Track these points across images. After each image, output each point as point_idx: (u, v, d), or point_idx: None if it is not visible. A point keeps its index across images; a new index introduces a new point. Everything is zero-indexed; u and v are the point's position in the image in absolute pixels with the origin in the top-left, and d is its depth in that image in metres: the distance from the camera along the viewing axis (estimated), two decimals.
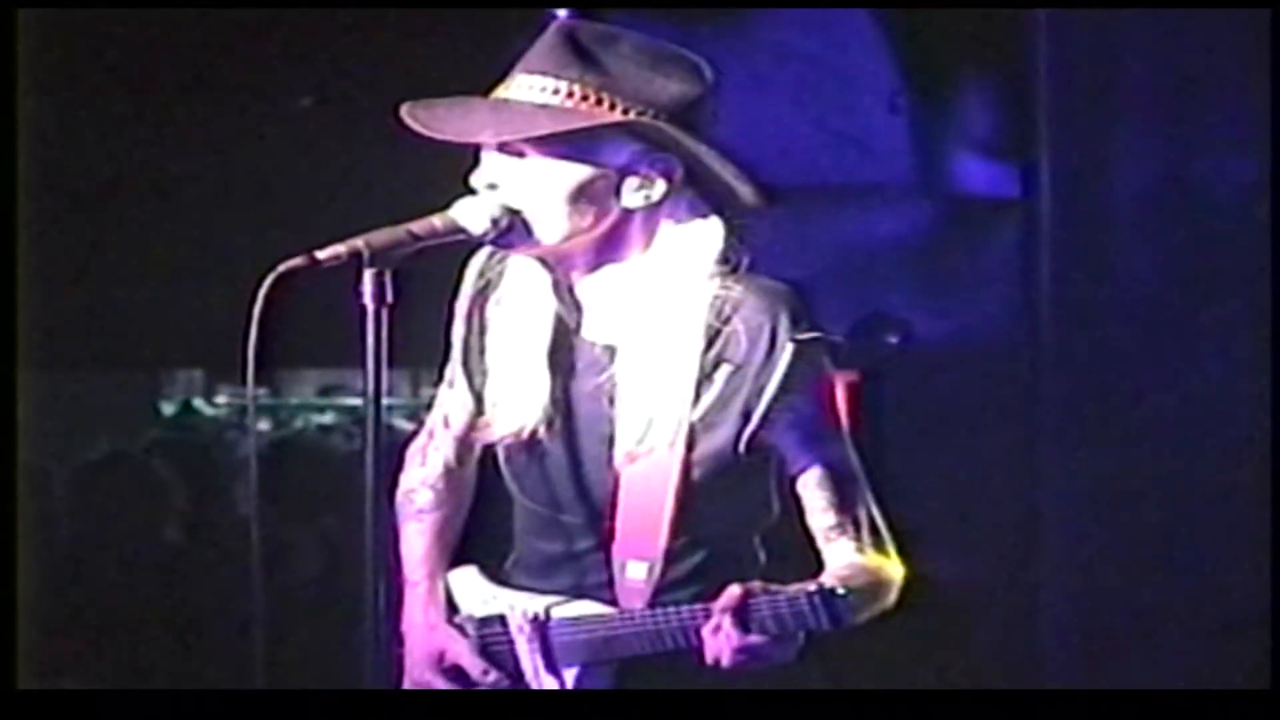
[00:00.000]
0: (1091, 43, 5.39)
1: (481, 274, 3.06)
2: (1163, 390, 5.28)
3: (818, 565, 2.85)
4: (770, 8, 5.22)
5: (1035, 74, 5.48)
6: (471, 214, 2.84)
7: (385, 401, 2.72)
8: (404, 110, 2.91)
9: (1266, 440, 5.04)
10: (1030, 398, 5.49)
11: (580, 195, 2.85)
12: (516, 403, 2.97)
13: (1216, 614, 5.15)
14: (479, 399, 3.06)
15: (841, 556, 2.85)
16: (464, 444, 3.17)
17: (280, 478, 7.13)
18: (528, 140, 2.84)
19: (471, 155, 2.92)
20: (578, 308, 2.95)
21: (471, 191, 2.89)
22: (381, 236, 2.75)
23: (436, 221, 2.82)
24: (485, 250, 3.01)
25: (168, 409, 10.98)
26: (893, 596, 2.87)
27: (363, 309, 2.71)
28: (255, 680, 2.84)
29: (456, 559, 3.16)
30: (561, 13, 5.73)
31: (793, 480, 2.90)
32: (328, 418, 11.53)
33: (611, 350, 2.92)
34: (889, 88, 5.96)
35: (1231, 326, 5.19)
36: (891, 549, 2.90)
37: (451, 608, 3.09)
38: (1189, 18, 5.19)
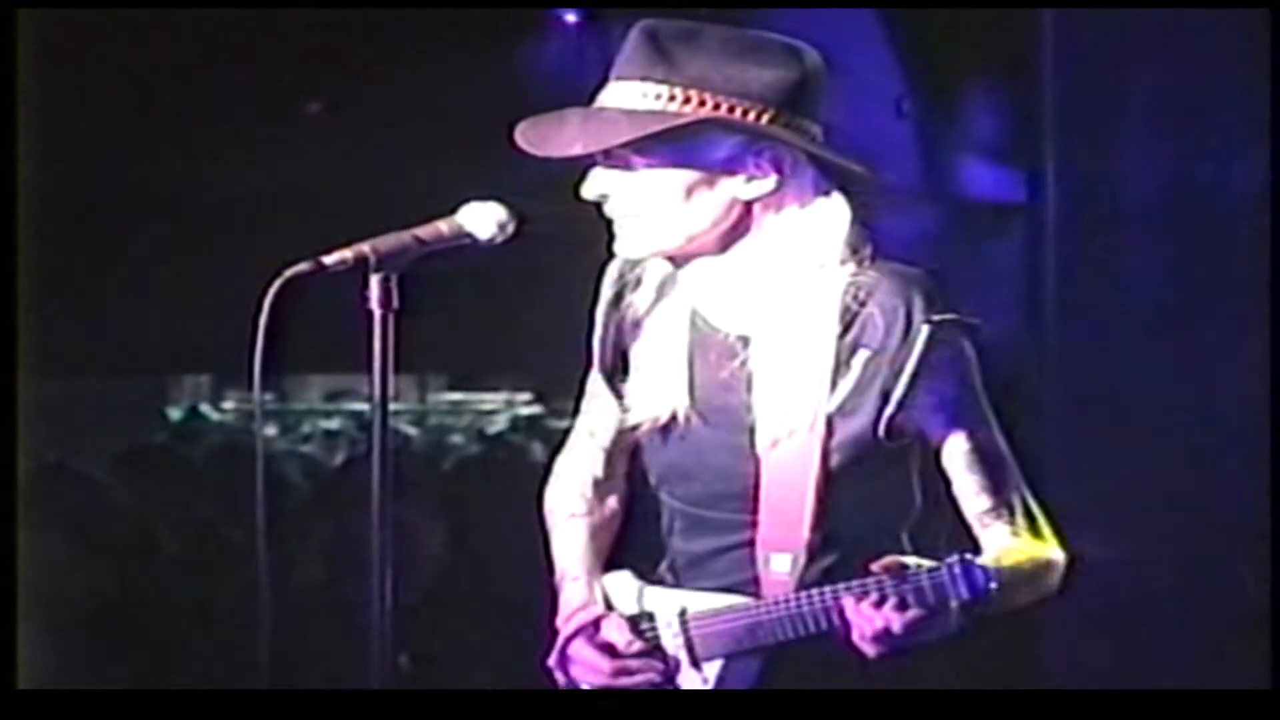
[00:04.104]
0: (1097, 48, 5.40)
1: (619, 278, 3.05)
2: (1167, 393, 5.29)
3: (975, 552, 2.81)
4: (773, 8, 5.22)
5: (1041, 79, 5.49)
6: (478, 219, 2.84)
7: (391, 407, 2.72)
8: (516, 132, 2.88)
9: (1268, 442, 5.05)
10: (1035, 401, 5.50)
11: (691, 197, 2.84)
12: (654, 394, 2.97)
13: (1217, 614, 5.16)
14: (620, 398, 3.05)
15: (998, 541, 2.82)
16: (611, 455, 3.17)
17: (286, 482, 7.15)
18: (628, 149, 2.83)
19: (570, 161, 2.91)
20: (710, 299, 2.94)
21: (591, 205, 2.89)
22: (388, 242, 2.75)
23: (443, 226, 2.81)
24: (621, 256, 3.00)
25: (174, 414, 11.00)
26: (1055, 579, 2.84)
27: (369, 314, 2.71)
28: (259, 683, 2.84)
29: (611, 564, 3.16)
30: (570, 16, 5.76)
31: (942, 464, 2.88)
32: (334, 423, 11.56)
33: (745, 339, 2.91)
34: (895, 92, 5.98)
35: (1235, 330, 5.20)
36: (1049, 532, 2.87)
37: (608, 607, 3.08)
38: (1194, 22, 5.20)
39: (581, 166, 2.92)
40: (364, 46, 5.84)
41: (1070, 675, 5.25)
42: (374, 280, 2.71)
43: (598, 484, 3.19)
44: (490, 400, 11.77)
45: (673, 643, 2.99)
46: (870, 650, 2.71)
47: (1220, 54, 5.23)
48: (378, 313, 2.70)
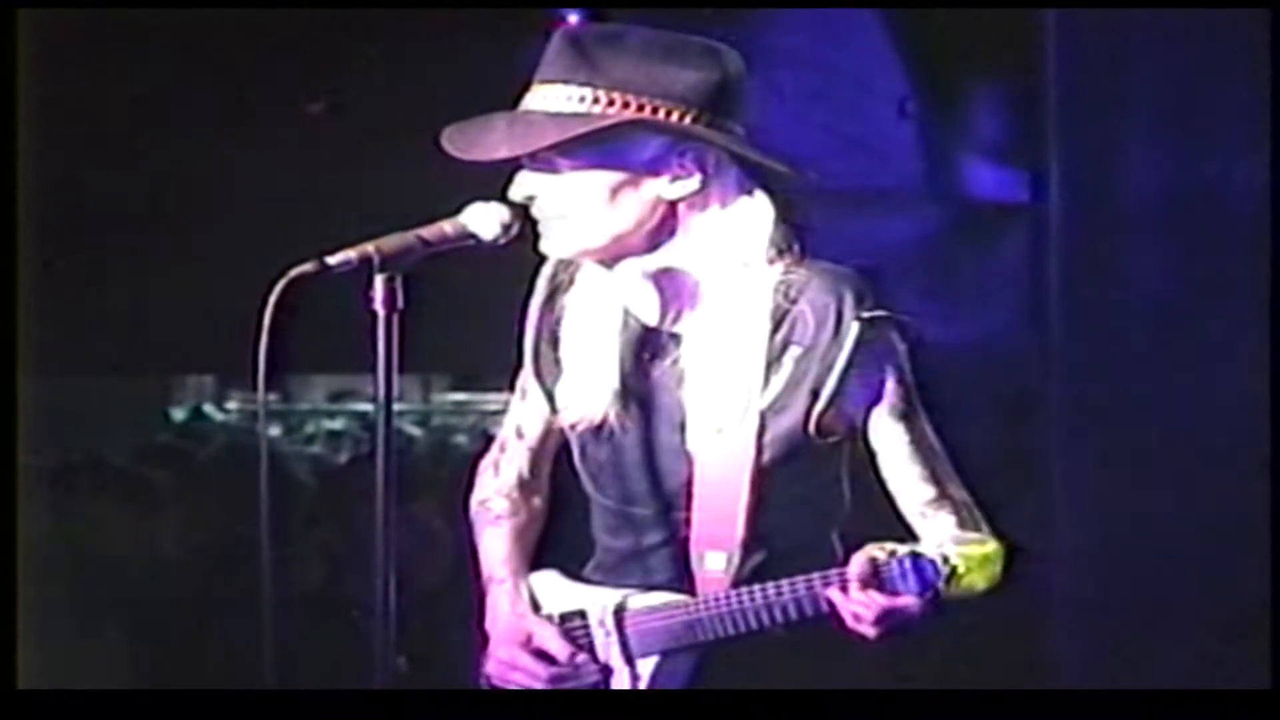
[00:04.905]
0: (1100, 48, 5.40)
1: (552, 279, 3.07)
2: (1170, 393, 5.28)
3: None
4: (778, 8, 5.23)
5: (1044, 79, 5.49)
6: (482, 219, 2.85)
7: (396, 407, 2.73)
8: (443, 137, 2.91)
9: (1269, 442, 5.05)
10: (1038, 401, 5.50)
11: (616, 198, 2.86)
12: (588, 391, 2.99)
13: (1217, 614, 5.16)
14: (551, 398, 3.07)
15: (942, 531, 2.84)
16: (537, 455, 3.19)
17: (290, 483, 7.15)
18: (553, 151, 2.85)
19: (497, 164, 2.92)
20: (642, 297, 2.96)
21: (511, 204, 2.89)
22: (392, 242, 2.76)
23: (447, 227, 2.82)
24: (554, 259, 3.02)
25: (178, 414, 11.01)
26: (998, 569, 2.81)
27: (373, 314, 2.71)
28: (261, 683, 2.84)
29: (537, 563, 3.17)
30: (572, 16, 5.76)
31: (879, 458, 2.90)
32: (338, 423, 11.57)
33: (677, 338, 2.93)
34: (899, 93, 5.98)
35: (1238, 330, 5.20)
36: (985, 525, 2.88)
37: (534, 608, 3.10)
38: (1195, 22, 5.20)
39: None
40: (366, 46, 5.84)
41: (1071, 675, 5.26)
42: (378, 280, 2.72)
43: (523, 485, 3.21)
44: (494, 400, 11.75)
45: (604, 641, 3.00)
46: (870, 632, 2.72)
47: (1221, 54, 5.24)
48: (382, 313, 2.71)
